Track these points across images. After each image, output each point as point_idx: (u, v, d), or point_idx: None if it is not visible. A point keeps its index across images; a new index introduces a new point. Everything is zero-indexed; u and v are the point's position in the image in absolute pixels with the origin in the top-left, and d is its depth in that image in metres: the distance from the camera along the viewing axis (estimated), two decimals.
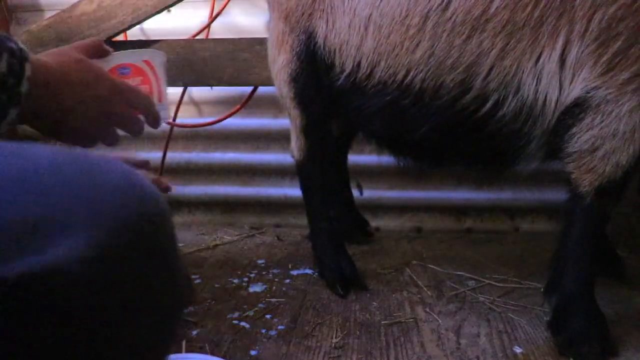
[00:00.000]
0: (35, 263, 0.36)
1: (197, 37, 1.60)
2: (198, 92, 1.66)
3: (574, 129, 0.88)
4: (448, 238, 1.46)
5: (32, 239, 0.37)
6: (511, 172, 1.47)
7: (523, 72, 0.89)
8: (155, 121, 0.90)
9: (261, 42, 1.44)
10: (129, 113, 0.85)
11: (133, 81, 0.94)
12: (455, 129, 0.99)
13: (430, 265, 1.25)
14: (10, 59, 0.63)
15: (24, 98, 0.65)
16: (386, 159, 1.56)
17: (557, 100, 0.89)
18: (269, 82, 1.30)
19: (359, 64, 1.02)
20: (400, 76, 0.98)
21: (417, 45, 0.94)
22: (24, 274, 0.35)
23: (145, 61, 0.96)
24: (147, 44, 1.53)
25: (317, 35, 1.06)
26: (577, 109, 0.87)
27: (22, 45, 0.66)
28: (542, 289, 0.99)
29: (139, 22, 1.50)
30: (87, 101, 0.76)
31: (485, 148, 1.01)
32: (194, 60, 1.51)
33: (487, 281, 1.15)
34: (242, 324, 0.99)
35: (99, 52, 0.87)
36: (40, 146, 0.48)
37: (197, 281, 1.19)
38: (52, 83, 0.71)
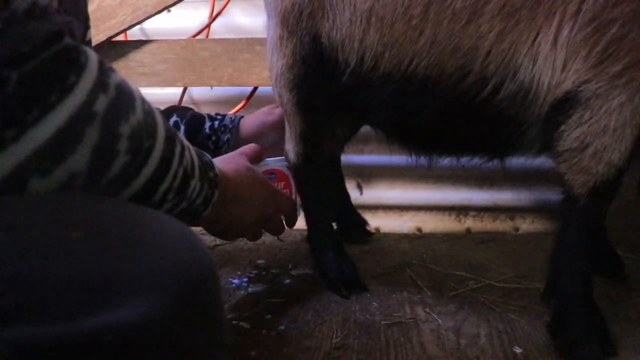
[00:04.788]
0: (98, 323, 0.37)
1: (197, 37, 1.60)
2: (198, 92, 1.66)
3: (563, 127, 0.88)
4: (448, 238, 1.46)
5: (95, 298, 0.39)
6: (511, 171, 1.49)
7: (520, 54, 0.88)
8: (293, 223, 1.08)
9: (261, 42, 1.45)
10: (278, 217, 1.01)
11: (278, 185, 1.15)
12: (457, 114, 0.99)
13: (430, 265, 1.25)
14: (208, 190, 0.71)
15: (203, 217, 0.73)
16: (386, 159, 1.57)
17: (549, 84, 0.88)
18: (269, 82, 1.30)
19: (362, 57, 1.01)
20: (404, 65, 0.98)
21: (420, 34, 0.94)
22: (86, 334, 0.37)
23: (289, 167, 1.14)
24: (147, 44, 1.53)
25: (322, 36, 1.05)
26: (566, 105, 0.87)
27: (217, 170, 0.75)
28: (541, 291, 0.99)
29: (139, 22, 1.50)
30: (250, 210, 0.88)
31: (486, 134, 1.02)
32: (194, 60, 1.51)
33: (487, 281, 1.15)
34: (242, 324, 0.99)
35: (258, 157, 1.03)
36: (105, 201, 0.51)
37: None
38: (228, 199, 0.81)
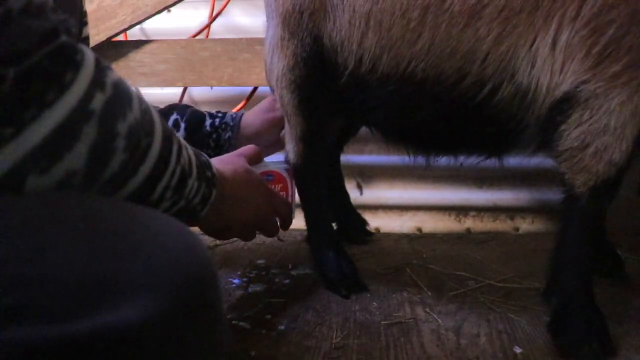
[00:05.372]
0: (96, 323, 0.37)
1: (197, 37, 1.60)
2: (198, 92, 1.66)
3: (563, 126, 0.88)
4: (448, 238, 1.46)
5: (94, 298, 0.39)
6: (511, 171, 1.49)
7: (518, 57, 0.89)
8: (287, 226, 1.07)
9: (261, 42, 1.45)
10: (273, 219, 1.01)
11: (275, 187, 1.12)
12: (455, 115, 0.99)
13: (430, 265, 1.25)
14: (205, 190, 0.71)
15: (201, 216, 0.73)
16: (386, 159, 1.57)
17: (548, 86, 0.88)
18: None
19: (360, 59, 1.02)
20: (402, 68, 0.98)
21: (418, 37, 0.94)
22: (84, 334, 0.37)
23: (287, 169, 1.13)
24: (147, 44, 1.53)
25: (324, 37, 1.05)
26: (565, 105, 0.87)
27: (214, 170, 0.75)
28: (541, 291, 0.99)
29: (138, 22, 1.50)
30: (247, 211, 0.88)
31: (484, 134, 1.02)
32: (194, 60, 1.51)
33: (487, 281, 1.15)
34: (242, 324, 0.99)
35: (257, 159, 1.02)
36: (102, 201, 0.51)
37: None
38: (225, 199, 0.80)
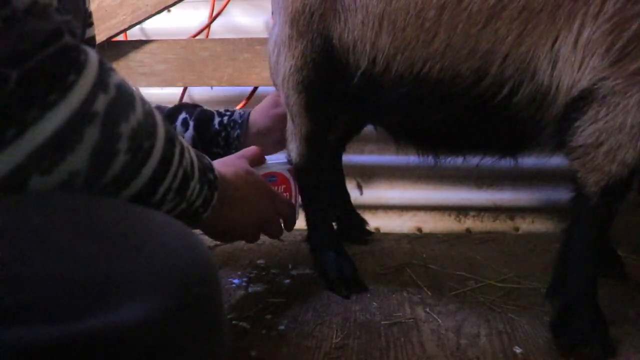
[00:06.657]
0: (97, 324, 0.37)
1: (197, 37, 1.60)
2: (198, 92, 1.66)
3: (578, 122, 0.86)
4: (448, 238, 1.46)
5: (95, 299, 0.39)
6: (511, 171, 1.49)
7: (539, 57, 0.87)
8: (291, 227, 1.08)
9: (261, 42, 1.45)
10: (277, 221, 1.01)
11: (278, 188, 1.12)
12: (472, 116, 0.98)
13: (430, 265, 1.25)
14: (207, 192, 0.72)
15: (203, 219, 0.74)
16: (386, 159, 1.57)
17: (568, 85, 0.87)
18: (269, 82, 1.30)
19: (374, 60, 1.01)
20: (417, 68, 0.97)
21: (434, 37, 0.93)
22: (85, 335, 0.37)
23: (290, 170, 1.14)
24: (147, 44, 1.53)
25: (334, 37, 1.03)
26: (581, 101, 0.85)
27: (216, 172, 0.75)
28: (543, 290, 0.99)
29: (138, 22, 1.51)
30: (249, 214, 0.88)
31: (502, 135, 1.01)
32: (194, 60, 1.51)
33: (487, 281, 1.15)
34: (242, 324, 0.99)
35: (259, 161, 1.03)
36: (104, 201, 0.51)
37: None
38: (227, 201, 0.80)
